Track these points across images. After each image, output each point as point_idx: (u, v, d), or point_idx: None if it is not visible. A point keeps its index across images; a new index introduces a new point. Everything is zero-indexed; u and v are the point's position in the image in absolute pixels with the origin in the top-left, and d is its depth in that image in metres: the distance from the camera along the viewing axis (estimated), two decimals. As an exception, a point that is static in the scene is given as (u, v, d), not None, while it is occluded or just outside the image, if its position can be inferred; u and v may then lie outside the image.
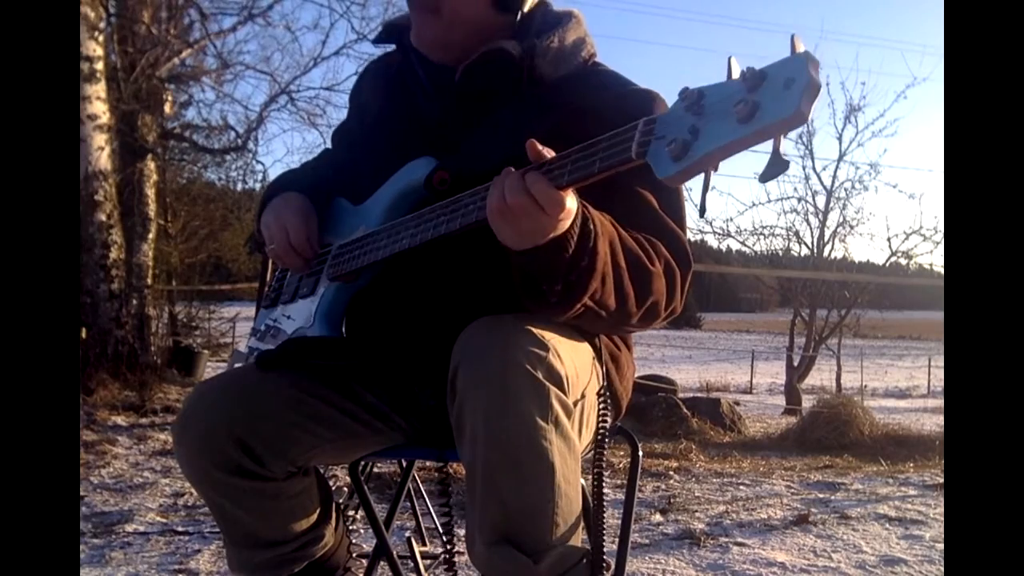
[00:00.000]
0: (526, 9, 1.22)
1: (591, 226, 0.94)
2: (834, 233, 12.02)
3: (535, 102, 1.17)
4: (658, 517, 2.95)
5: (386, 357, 1.21)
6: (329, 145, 1.50)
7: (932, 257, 11.48)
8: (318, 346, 1.20)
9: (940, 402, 10.63)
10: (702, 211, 0.83)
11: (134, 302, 7.05)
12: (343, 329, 1.27)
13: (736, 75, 0.77)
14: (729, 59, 0.78)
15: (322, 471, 1.27)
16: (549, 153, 0.91)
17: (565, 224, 0.91)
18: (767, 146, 0.76)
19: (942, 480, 3.68)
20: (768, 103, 0.73)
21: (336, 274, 1.22)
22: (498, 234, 0.94)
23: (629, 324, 1.06)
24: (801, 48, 0.73)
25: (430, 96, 1.25)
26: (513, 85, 1.18)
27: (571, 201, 0.91)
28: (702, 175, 0.79)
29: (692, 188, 0.86)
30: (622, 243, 1.00)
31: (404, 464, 1.56)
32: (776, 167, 0.75)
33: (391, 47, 1.33)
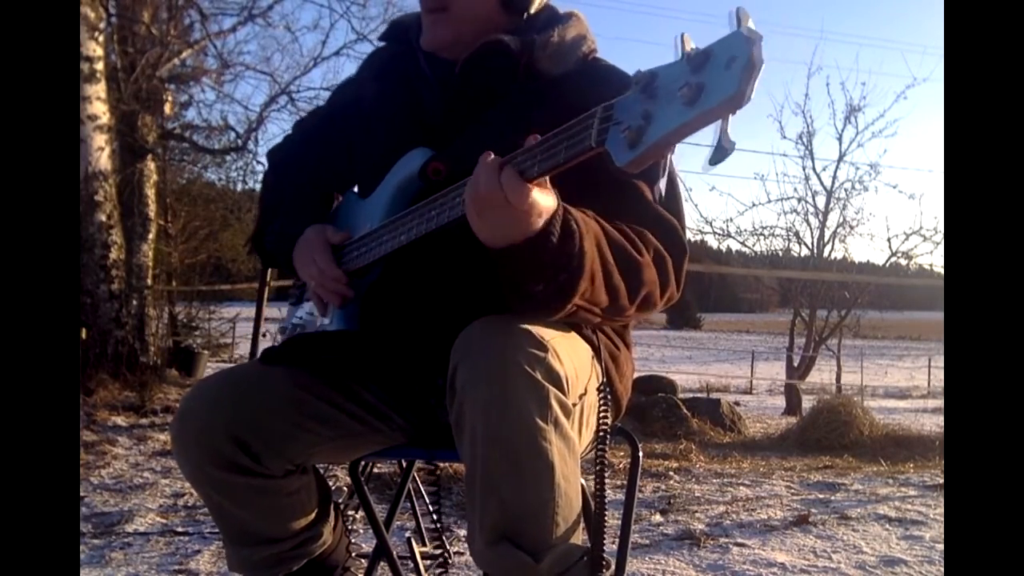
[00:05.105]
0: (532, 10, 1.23)
1: (574, 226, 0.92)
2: (834, 233, 12.04)
3: (533, 96, 1.17)
4: (658, 517, 2.95)
5: (386, 355, 1.21)
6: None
7: (932, 257, 11.50)
8: (320, 343, 1.21)
9: (940, 402, 10.64)
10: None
11: (134, 302, 7.05)
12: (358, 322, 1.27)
13: (688, 49, 0.75)
14: (681, 36, 0.76)
15: (322, 470, 1.27)
16: None
17: (538, 223, 0.90)
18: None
19: (942, 480, 3.68)
20: (711, 84, 0.72)
21: (346, 271, 1.23)
22: (473, 227, 0.93)
23: (625, 315, 1.05)
24: (747, 23, 0.71)
25: (434, 90, 1.26)
26: (512, 79, 1.19)
27: (545, 199, 0.89)
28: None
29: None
30: (607, 237, 0.99)
31: (404, 464, 1.56)
32: (720, 152, 0.74)
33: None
